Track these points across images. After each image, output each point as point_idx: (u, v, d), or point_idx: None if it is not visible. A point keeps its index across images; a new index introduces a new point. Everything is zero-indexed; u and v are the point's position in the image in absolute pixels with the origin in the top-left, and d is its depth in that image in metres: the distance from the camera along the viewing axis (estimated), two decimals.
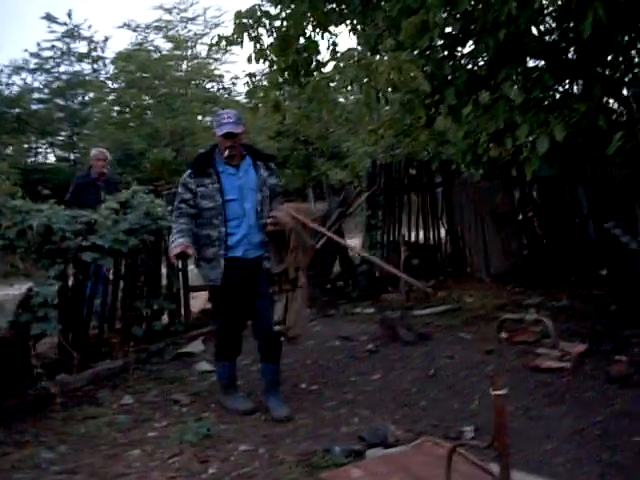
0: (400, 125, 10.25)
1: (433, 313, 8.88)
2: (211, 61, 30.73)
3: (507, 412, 3.29)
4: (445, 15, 6.67)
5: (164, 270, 7.61)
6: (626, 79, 7.90)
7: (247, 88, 9.78)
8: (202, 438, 5.25)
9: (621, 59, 7.77)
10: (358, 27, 8.90)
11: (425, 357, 6.98)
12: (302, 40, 9.09)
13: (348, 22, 8.74)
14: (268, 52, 9.34)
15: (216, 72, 30.17)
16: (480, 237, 11.12)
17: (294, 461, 4.76)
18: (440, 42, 7.23)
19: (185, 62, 29.77)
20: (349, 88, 7.48)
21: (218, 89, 30.24)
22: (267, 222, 5.36)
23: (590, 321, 7.62)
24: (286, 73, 9.40)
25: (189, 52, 30.19)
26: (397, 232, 10.76)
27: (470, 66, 7.96)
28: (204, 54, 30.63)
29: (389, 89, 6.61)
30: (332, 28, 9.25)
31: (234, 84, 31.57)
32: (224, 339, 5.79)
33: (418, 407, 5.77)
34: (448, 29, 7.11)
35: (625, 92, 8.06)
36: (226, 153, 5.39)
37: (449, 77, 7.26)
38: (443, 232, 11.66)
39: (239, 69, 57.47)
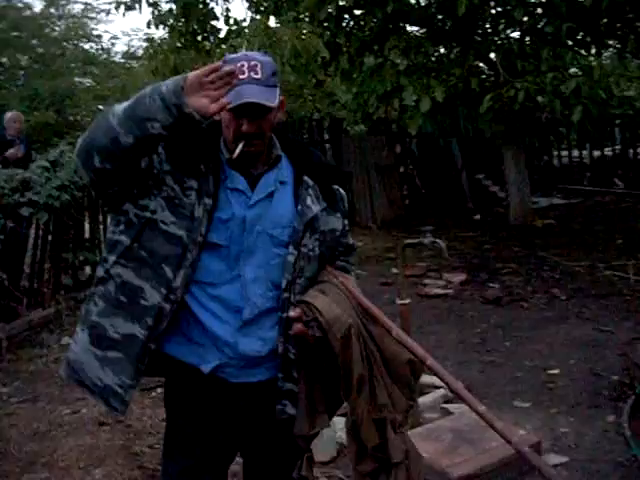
0: (293, 86, 11.12)
1: None
2: (86, 20, 30.24)
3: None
4: None
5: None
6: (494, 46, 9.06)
7: (148, 53, 10.37)
8: None
9: (490, 29, 8.91)
10: None
11: None
12: (201, 7, 9.78)
13: None
14: (166, 18, 9.96)
15: (94, 32, 29.80)
16: (367, 188, 12.19)
17: None
18: (334, 14, 8.11)
19: (62, 21, 29.23)
20: None
21: (97, 49, 29.92)
22: (290, 315, 2.17)
23: (468, 257, 8.86)
24: (184, 38, 10.03)
25: (64, 10, 29.60)
26: None
27: (360, 34, 8.90)
28: (80, 12, 30.08)
29: (292, 56, 7.42)
30: None
31: (113, 44, 31.30)
32: None
33: None
34: (342, 2, 8.00)
35: (493, 57, 9.22)
36: (238, 149, 2.08)
37: (343, 45, 8.18)
38: None
39: (116, 29, 56.32)
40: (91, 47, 29.58)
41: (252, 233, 2.16)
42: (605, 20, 8.83)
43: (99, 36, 29.83)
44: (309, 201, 2.25)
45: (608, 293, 7.19)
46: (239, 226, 2.15)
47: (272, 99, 2.08)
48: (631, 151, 15.96)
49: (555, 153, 16.37)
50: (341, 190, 2.43)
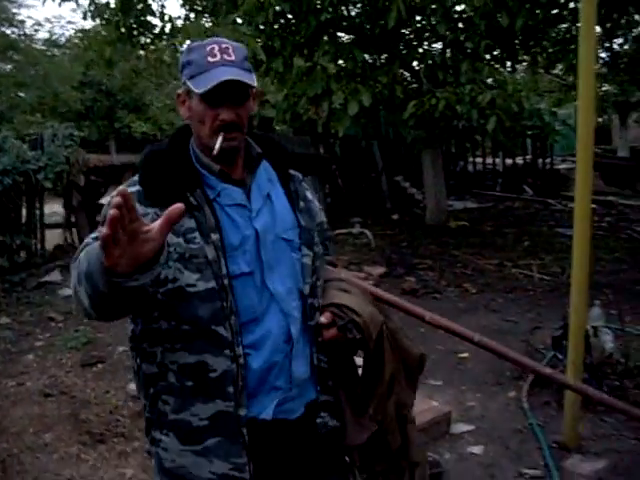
0: None
1: None
2: (6, 3, 29.62)
3: None
4: None
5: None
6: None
7: (83, 44, 10.58)
8: (84, 344, 6.36)
9: (414, 40, 9.51)
10: None
11: None
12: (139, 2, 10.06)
13: None
14: (103, 10, 10.19)
15: (18, 17, 29.24)
16: None
17: None
18: (271, 19, 8.54)
19: None
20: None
21: (19, 35, 29.38)
22: (321, 321, 1.97)
23: (386, 252, 9.45)
24: (119, 32, 10.28)
25: None
26: None
27: (291, 37, 9.36)
28: None
29: None
30: None
31: (36, 31, 30.69)
32: None
33: None
34: (278, 8, 8.44)
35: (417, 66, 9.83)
36: (218, 143, 1.83)
37: (277, 48, 8.63)
38: None
39: (38, 15, 54.90)
40: (12, 32, 29.04)
41: (267, 245, 1.90)
42: (519, 39, 9.54)
43: (22, 22, 29.34)
44: (310, 195, 2.08)
45: (514, 288, 7.90)
46: (254, 244, 1.89)
47: (251, 80, 1.83)
48: (540, 161, 16.95)
49: (470, 160, 17.18)
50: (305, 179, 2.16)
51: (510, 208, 14.23)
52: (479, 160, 17.33)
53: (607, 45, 14.02)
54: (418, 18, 9.13)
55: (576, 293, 4.22)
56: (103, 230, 1.39)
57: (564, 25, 10.24)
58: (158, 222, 1.47)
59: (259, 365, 1.87)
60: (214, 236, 1.82)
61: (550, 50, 10.76)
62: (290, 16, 8.81)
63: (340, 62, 9.28)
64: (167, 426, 1.92)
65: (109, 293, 1.52)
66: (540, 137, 15.62)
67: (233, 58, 1.82)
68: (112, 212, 1.36)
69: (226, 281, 1.81)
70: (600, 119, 22.53)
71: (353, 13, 9.36)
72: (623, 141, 21.40)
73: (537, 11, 8.80)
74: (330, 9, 8.06)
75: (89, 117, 28.43)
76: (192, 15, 10.58)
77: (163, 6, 10.72)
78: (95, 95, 28.16)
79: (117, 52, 10.63)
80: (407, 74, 9.97)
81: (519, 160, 17.37)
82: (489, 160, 17.35)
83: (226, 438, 1.86)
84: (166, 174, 1.85)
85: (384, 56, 9.64)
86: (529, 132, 14.49)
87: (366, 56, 9.90)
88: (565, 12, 9.35)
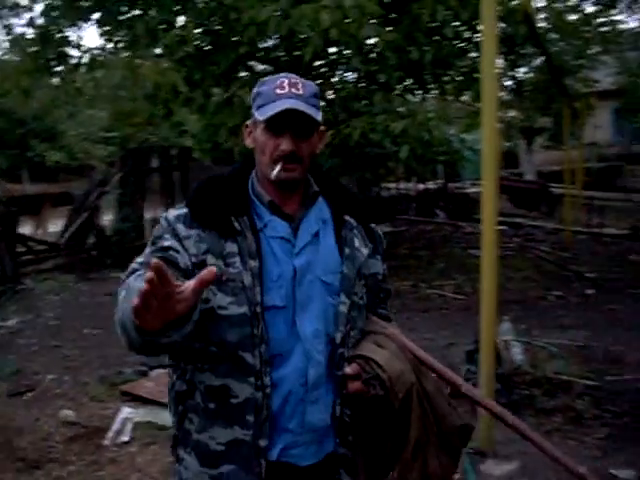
0: (146, 115, 11.64)
1: None
2: None
3: None
4: (199, 31, 8.27)
5: None
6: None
7: None
8: (13, 373, 6.40)
9: (329, 72, 9.88)
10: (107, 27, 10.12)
11: None
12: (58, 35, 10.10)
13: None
14: (20, 42, 10.20)
15: None
16: None
17: (96, 382, 6.13)
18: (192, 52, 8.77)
19: None
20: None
21: None
22: (347, 372, 1.91)
23: None
24: (37, 63, 10.28)
25: None
26: (143, 208, 12.17)
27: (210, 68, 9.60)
28: None
29: (155, 90, 8.00)
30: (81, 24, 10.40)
31: None
32: None
33: None
34: (197, 42, 8.68)
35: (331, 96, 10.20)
36: (276, 170, 1.86)
37: (198, 81, 8.85)
38: None
39: None
40: None
41: (303, 283, 1.88)
42: (429, 70, 10.03)
43: None
44: (357, 243, 2.00)
45: (429, 308, 8.27)
46: (290, 280, 1.88)
47: (316, 115, 1.86)
48: (451, 185, 17.65)
49: (384, 185, 17.70)
50: (378, 230, 2.13)
51: (423, 231, 14.74)
52: (392, 185, 17.87)
53: (511, 74, 14.80)
54: (332, 50, 9.49)
55: (486, 310, 4.54)
56: (134, 301, 1.42)
57: (474, 54, 10.79)
58: (192, 282, 1.47)
59: (277, 404, 1.85)
60: (253, 263, 1.83)
61: (458, 79, 11.31)
62: (210, 47, 9.03)
63: None
64: (190, 445, 1.93)
65: (143, 347, 1.60)
66: (450, 163, 16.29)
67: (301, 92, 1.85)
68: (144, 287, 1.38)
69: (259, 309, 1.81)
70: (507, 144, 23.47)
71: (269, 44, 9.64)
72: (530, 165, 22.33)
73: (444, 43, 9.28)
74: (247, 41, 8.32)
75: None
76: (109, 46, 10.63)
77: (80, 37, 10.79)
78: (6, 124, 27.63)
79: (34, 81, 10.62)
80: (323, 104, 10.31)
81: (431, 185, 18.03)
82: (402, 185, 17.92)
83: (241, 467, 1.86)
84: (215, 198, 1.89)
85: None
86: (440, 158, 15.11)
87: None
88: (470, 46, 9.88)
